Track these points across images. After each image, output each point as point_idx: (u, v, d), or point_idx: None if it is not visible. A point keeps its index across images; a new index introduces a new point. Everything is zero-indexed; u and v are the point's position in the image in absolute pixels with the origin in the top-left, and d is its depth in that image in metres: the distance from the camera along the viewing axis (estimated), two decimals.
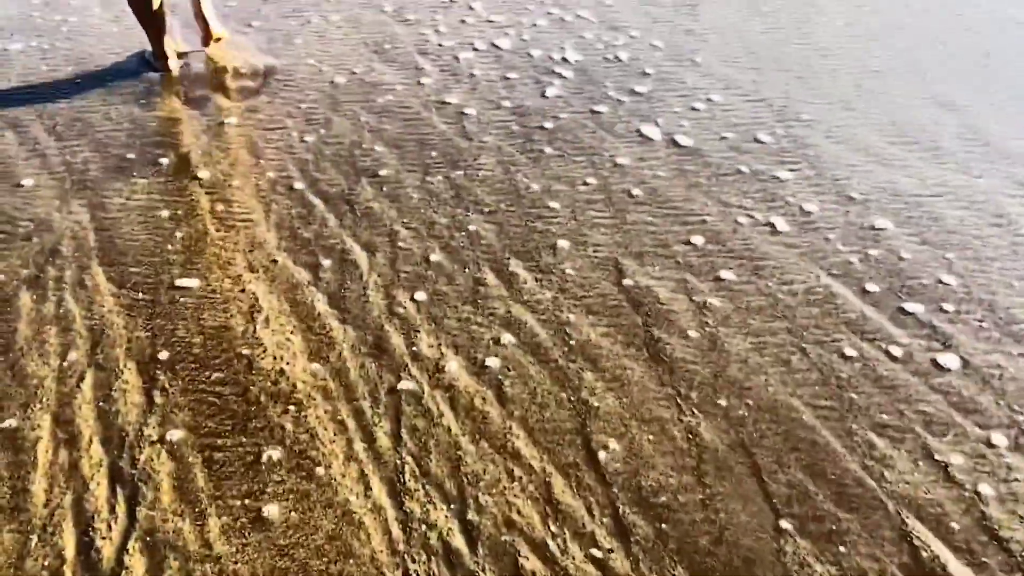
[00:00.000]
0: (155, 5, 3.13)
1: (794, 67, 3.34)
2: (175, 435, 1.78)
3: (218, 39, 3.46)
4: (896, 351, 2.02)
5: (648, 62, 3.37)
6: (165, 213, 2.47)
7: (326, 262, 2.29)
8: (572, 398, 1.89)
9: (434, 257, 2.31)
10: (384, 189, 2.59)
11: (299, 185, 2.61)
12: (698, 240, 2.38)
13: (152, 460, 1.73)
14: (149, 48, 3.35)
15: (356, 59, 3.40)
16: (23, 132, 2.86)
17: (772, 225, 2.45)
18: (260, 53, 3.44)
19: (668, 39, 3.58)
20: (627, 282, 2.23)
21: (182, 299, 2.15)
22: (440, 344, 2.03)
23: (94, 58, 3.39)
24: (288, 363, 1.97)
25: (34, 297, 2.16)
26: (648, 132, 2.91)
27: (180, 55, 3.39)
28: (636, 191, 2.59)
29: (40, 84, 3.18)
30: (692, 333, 2.07)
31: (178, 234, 2.38)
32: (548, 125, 2.95)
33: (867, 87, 3.17)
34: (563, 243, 2.37)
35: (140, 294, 2.17)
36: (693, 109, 3.04)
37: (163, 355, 1.98)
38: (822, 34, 3.61)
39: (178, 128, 2.90)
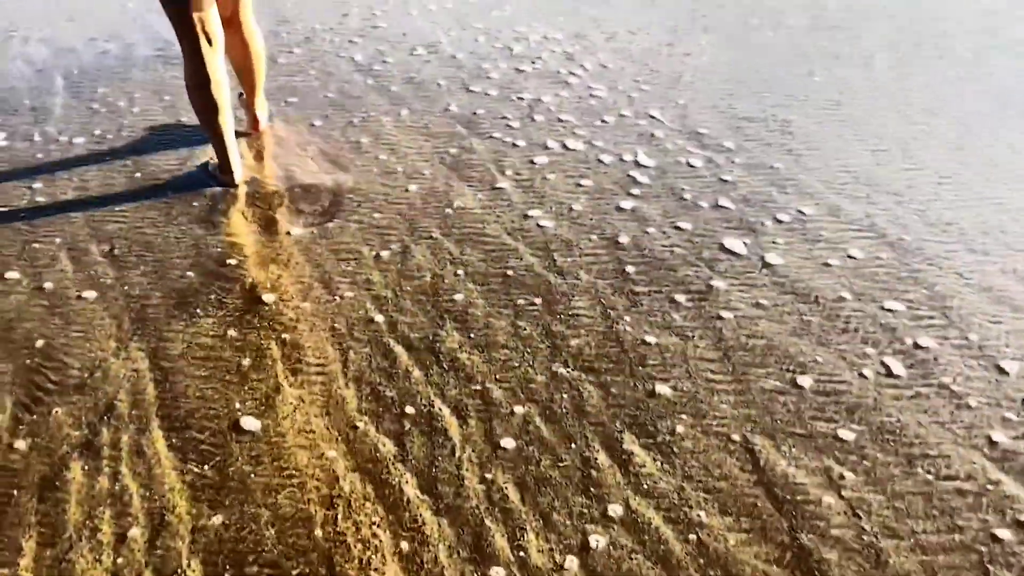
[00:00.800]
0: (222, 112, 2.95)
1: (908, 196, 3.07)
2: None
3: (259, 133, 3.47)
4: None
5: (733, 173, 3.13)
6: (231, 362, 2.22)
7: (413, 430, 2.02)
8: None
9: (534, 426, 2.03)
10: (471, 335, 2.33)
11: (378, 325, 2.36)
12: (835, 411, 2.08)
13: None
14: (213, 158, 3.18)
15: (430, 171, 3.20)
16: (78, 256, 2.66)
17: (918, 394, 2.15)
18: (329, 163, 3.24)
19: (758, 155, 3.34)
20: (761, 468, 1.93)
21: (253, 476, 1.88)
22: (552, 549, 1.73)
23: (154, 165, 3.21)
24: (376, 570, 1.68)
25: (86, 468, 1.90)
26: (746, 254, 2.63)
27: (246, 162, 3.21)
28: (753, 343, 2.31)
29: (97, 196, 3.00)
30: (848, 543, 1.75)
31: (246, 389, 2.13)
32: (625, 240, 2.70)
33: (993, 223, 2.88)
34: (681, 412, 2.08)
35: (205, 467, 1.91)
36: (797, 234, 2.77)
37: (232, 552, 1.70)
38: (934, 159, 3.34)
39: (244, 254, 2.68)
